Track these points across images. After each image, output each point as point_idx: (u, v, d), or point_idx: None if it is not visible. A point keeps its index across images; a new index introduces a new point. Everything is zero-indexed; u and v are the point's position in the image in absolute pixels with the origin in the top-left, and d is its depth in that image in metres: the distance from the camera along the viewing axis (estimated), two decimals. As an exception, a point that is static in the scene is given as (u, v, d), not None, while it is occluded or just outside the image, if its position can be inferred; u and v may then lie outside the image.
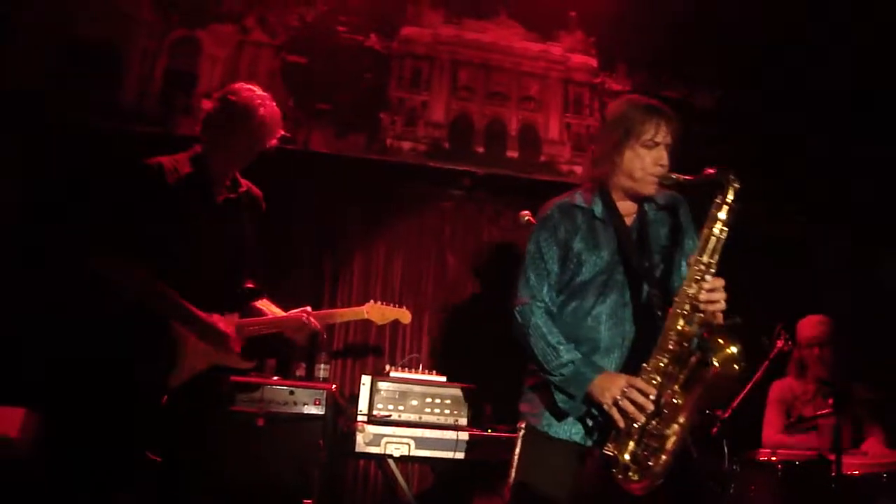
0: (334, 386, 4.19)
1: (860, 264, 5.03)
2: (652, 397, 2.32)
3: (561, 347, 2.50)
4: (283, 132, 3.20)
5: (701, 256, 2.36)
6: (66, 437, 3.59)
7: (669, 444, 2.29)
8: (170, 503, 2.92)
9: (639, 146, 2.56)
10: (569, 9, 5.53)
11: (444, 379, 4.25)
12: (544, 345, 2.52)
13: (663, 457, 2.29)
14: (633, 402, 2.33)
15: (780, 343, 4.22)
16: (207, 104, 3.18)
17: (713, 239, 2.36)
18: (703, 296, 2.32)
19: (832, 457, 3.62)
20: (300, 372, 4.39)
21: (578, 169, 5.32)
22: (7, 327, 4.19)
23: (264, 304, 3.31)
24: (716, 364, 2.22)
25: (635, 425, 2.33)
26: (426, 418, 4.13)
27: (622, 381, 2.38)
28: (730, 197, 2.37)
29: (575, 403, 2.50)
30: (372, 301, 3.84)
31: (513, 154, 5.25)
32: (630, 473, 2.31)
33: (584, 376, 2.44)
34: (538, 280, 2.62)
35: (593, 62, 5.53)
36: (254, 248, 3.26)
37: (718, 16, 5.36)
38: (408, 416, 4.11)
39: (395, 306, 3.88)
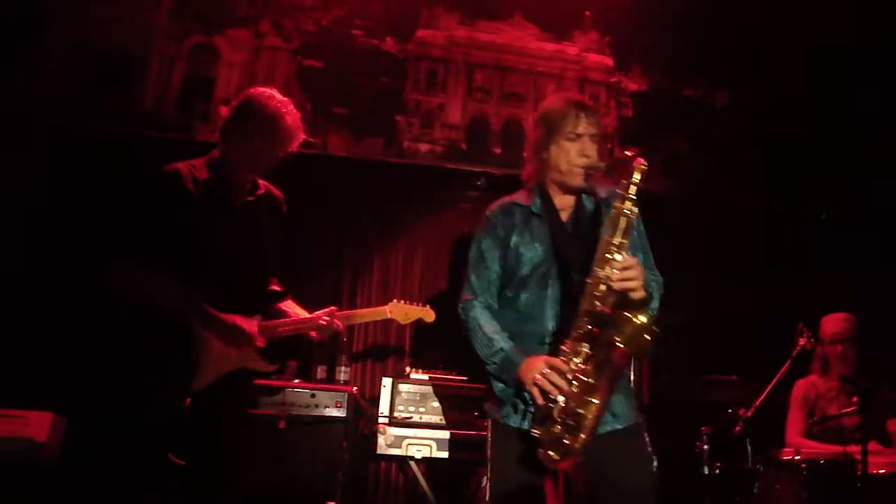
0: (355, 388, 4.20)
1: (884, 263, 5.00)
2: (569, 376, 2.37)
3: (495, 337, 2.60)
4: (304, 137, 3.18)
5: (612, 237, 2.38)
6: (90, 440, 3.61)
7: (587, 422, 2.34)
8: (193, 506, 2.93)
9: (562, 140, 2.63)
10: (583, 9, 5.52)
11: (465, 379, 4.25)
12: (481, 335, 2.63)
13: (582, 435, 2.34)
14: (550, 381, 2.38)
15: (801, 340, 4.20)
16: (226, 110, 3.16)
17: (623, 219, 2.38)
18: (616, 275, 2.35)
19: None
20: (321, 374, 4.40)
21: (596, 168, 5.30)
22: (31, 332, 4.24)
23: (288, 306, 3.30)
24: (619, 342, 2.26)
25: (553, 405, 2.38)
26: (448, 419, 4.13)
27: (541, 362, 2.44)
28: (636, 177, 2.38)
29: (510, 390, 2.59)
30: (395, 300, 3.80)
31: (529, 154, 5.25)
32: (551, 453, 2.37)
33: (513, 362, 2.53)
34: (479, 281, 2.74)
35: (609, 61, 5.52)
36: (275, 251, 3.26)
37: (734, 14, 5.34)
38: (429, 417, 4.12)
39: (418, 305, 3.86)
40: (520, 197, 2.79)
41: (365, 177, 5.00)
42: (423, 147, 5.14)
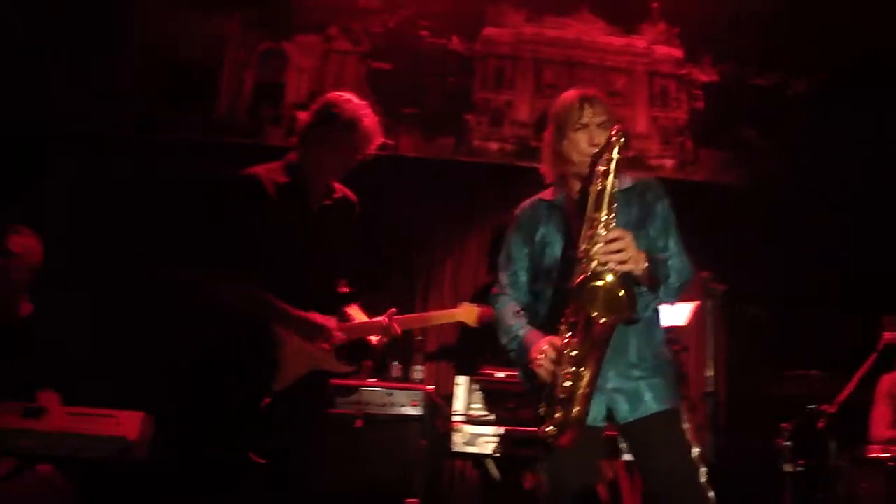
0: (431, 387, 4.23)
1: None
2: (563, 351, 2.41)
3: (513, 324, 2.66)
4: (381, 140, 3.22)
5: (597, 213, 2.40)
6: (175, 439, 3.72)
7: (578, 394, 2.36)
8: (273, 505, 2.99)
9: (571, 132, 2.64)
10: (650, 0, 5.46)
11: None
12: (504, 325, 2.70)
13: (576, 408, 2.36)
14: (547, 357, 2.43)
15: (887, 335, 4.09)
16: (304, 115, 3.20)
17: (607, 194, 2.39)
18: (603, 249, 2.34)
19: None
20: (397, 373, 4.43)
21: (668, 163, 5.26)
22: (120, 334, 4.39)
23: (353, 310, 3.33)
24: (593, 314, 2.27)
25: (554, 382, 2.40)
26: (523, 417, 4.12)
27: (544, 342, 2.48)
28: (615, 152, 2.40)
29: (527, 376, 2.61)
30: (465, 303, 3.84)
31: (601, 150, 5.21)
32: (549, 429, 2.40)
33: (525, 347, 2.57)
34: (507, 279, 2.80)
35: (678, 53, 5.46)
36: (350, 254, 3.30)
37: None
38: (504, 415, 4.11)
39: (486, 307, 3.87)
40: (545, 193, 2.83)
41: (436, 176, 5.05)
42: (493, 145, 5.16)
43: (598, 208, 2.39)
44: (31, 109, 4.80)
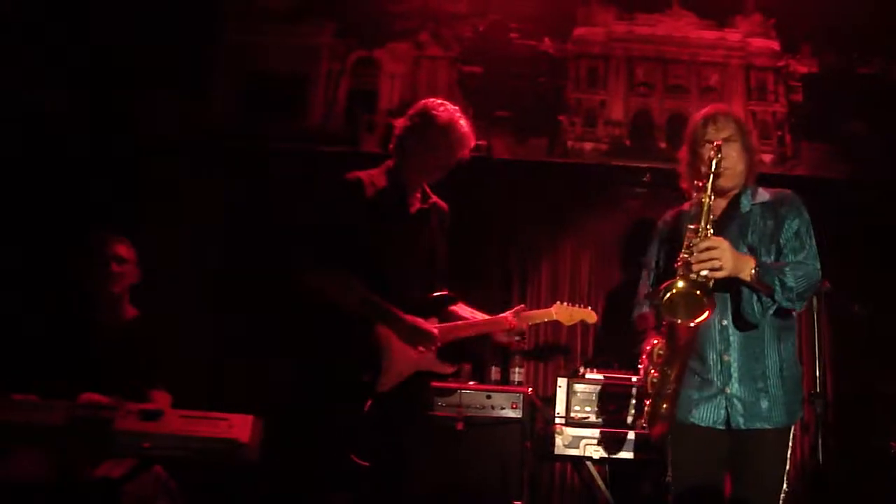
0: (530, 389, 4.23)
1: None
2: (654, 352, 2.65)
3: (640, 331, 2.90)
4: (475, 144, 3.28)
5: (696, 224, 2.54)
6: (281, 441, 3.81)
7: (666, 391, 2.57)
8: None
9: (699, 149, 2.82)
10: (743, -9, 5.35)
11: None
12: (635, 330, 2.96)
13: (664, 404, 2.57)
14: (647, 356, 2.68)
15: None
16: (401, 122, 3.30)
17: (705, 206, 2.55)
18: (696, 257, 2.47)
19: None
20: (495, 376, 4.45)
21: (766, 157, 5.13)
22: (224, 338, 4.53)
23: (463, 309, 3.36)
24: (671, 317, 2.45)
25: (655, 381, 2.62)
26: (623, 419, 4.08)
27: (647, 344, 2.73)
28: (713, 166, 2.59)
29: None
30: (559, 302, 3.80)
31: (696, 147, 5.13)
32: (641, 421, 2.76)
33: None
34: (647, 289, 2.97)
35: (775, 45, 5.31)
36: (444, 258, 3.36)
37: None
38: (605, 417, 4.08)
39: (580, 307, 3.85)
40: (687, 204, 2.97)
41: (530, 178, 5.04)
42: (587, 146, 5.12)
43: (696, 220, 2.55)
44: (129, 122, 5.00)
